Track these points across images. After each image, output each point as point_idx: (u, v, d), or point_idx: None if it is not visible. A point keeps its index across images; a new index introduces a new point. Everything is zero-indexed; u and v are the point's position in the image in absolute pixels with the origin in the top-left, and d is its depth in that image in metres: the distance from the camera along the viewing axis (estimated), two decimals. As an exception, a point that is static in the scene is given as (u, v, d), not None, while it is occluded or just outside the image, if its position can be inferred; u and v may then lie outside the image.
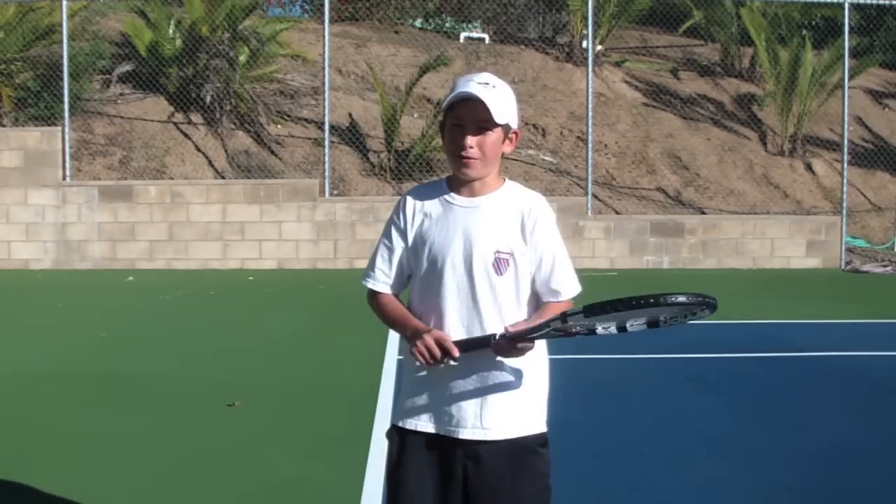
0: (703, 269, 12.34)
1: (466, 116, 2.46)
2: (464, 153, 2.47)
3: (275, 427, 5.37)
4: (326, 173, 12.39)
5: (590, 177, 12.63)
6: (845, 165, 13.04)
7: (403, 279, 2.62)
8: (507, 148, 2.55)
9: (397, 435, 2.57)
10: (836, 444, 5.13)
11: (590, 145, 12.74)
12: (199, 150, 13.24)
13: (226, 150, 13.30)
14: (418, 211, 2.58)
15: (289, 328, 8.43)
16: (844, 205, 12.93)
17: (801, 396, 6.15)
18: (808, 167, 14.73)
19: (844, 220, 12.82)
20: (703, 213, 13.38)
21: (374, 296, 2.65)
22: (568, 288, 2.58)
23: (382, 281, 2.62)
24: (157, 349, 7.50)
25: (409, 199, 2.61)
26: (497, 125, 2.47)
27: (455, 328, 2.50)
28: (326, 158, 12.41)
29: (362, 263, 12.93)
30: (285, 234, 12.13)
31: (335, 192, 12.75)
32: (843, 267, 12.52)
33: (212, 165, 13.08)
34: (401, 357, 2.67)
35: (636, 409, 5.85)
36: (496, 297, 2.50)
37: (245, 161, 13.20)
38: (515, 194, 2.58)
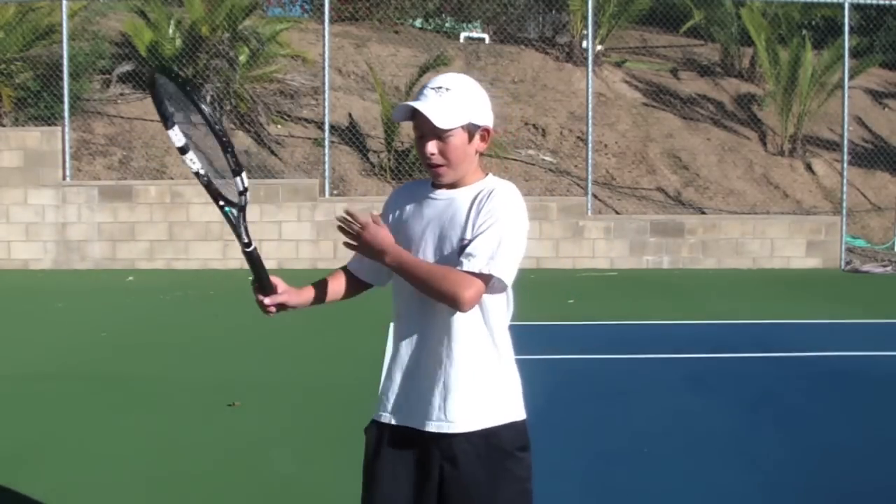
0: (703, 269, 12.34)
1: (422, 126, 2.48)
2: (428, 161, 2.50)
3: (275, 427, 5.37)
4: (326, 173, 12.39)
5: (590, 177, 12.63)
6: (845, 165, 13.04)
7: (379, 269, 2.66)
8: (480, 146, 2.52)
9: (375, 429, 2.59)
10: (835, 444, 5.13)
11: (590, 145, 12.74)
12: (199, 150, 13.23)
13: (226, 150, 13.29)
14: (398, 205, 2.65)
15: (289, 328, 8.43)
16: (844, 205, 12.93)
17: (801, 396, 6.15)
18: (808, 167, 14.73)
19: (844, 220, 12.82)
20: (703, 213, 13.38)
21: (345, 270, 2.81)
22: (476, 261, 2.37)
23: (366, 267, 2.73)
24: (156, 349, 7.50)
25: (393, 194, 2.71)
26: (447, 131, 2.44)
27: (429, 318, 2.49)
28: (326, 158, 12.41)
29: (362, 263, 12.66)
30: (285, 234, 12.13)
31: (335, 192, 12.75)
32: (843, 267, 12.52)
33: (212, 165, 13.07)
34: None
35: (636, 409, 5.84)
36: None
37: (245, 161, 13.21)
38: (481, 186, 2.51)
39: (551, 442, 4.64)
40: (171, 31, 13.59)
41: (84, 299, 9.99)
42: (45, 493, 4.29)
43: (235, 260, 12.07)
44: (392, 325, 2.64)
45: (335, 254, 12.17)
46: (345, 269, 2.83)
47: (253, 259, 2.73)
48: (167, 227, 12.01)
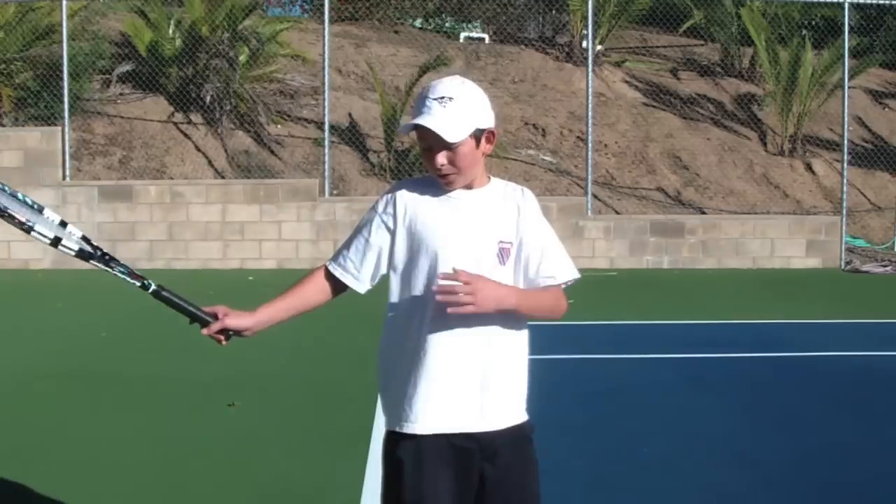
0: (703, 269, 12.34)
1: (429, 138, 2.44)
2: (438, 172, 2.47)
3: (275, 427, 5.37)
4: (326, 173, 12.39)
5: (590, 177, 12.63)
6: (845, 165, 13.05)
7: (371, 277, 2.57)
8: (487, 149, 2.52)
9: (408, 443, 2.49)
10: (835, 444, 5.12)
11: (590, 145, 12.74)
12: (199, 150, 13.25)
13: (226, 150, 13.31)
14: (413, 205, 2.51)
15: (288, 328, 8.41)
16: (844, 205, 12.93)
17: (801, 396, 6.14)
18: (808, 167, 14.73)
19: (844, 220, 12.82)
20: (703, 213, 13.38)
21: (326, 276, 2.61)
22: (564, 273, 2.55)
23: (352, 273, 2.57)
24: (156, 349, 7.49)
25: (401, 194, 2.54)
26: (456, 142, 2.44)
27: (456, 319, 2.43)
28: (326, 158, 12.41)
29: (362, 263, 12.63)
30: (285, 234, 12.13)
31: (335, 192, 12.75)
32: (843, 267, 12.52)
33: (212, 165, 13.09)
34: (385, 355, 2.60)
35: (636, 409, 5.84)
36: None
37: (245, 161, 13.20)
38: (504, 186, 2.59)
39: (551, 442, 4.63)
40: (171, 31, 13.59)
41: (84, 299, 9.99)
42: (45, 492, 4.29)
43: (235, 260, 12.08)
44: (397, 330, 2.53)
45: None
46: (325, 273, 2.63)
47: (161, 298, 2.63)
48: (167, 227, 12.01)
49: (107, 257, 2.58)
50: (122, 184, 12.29)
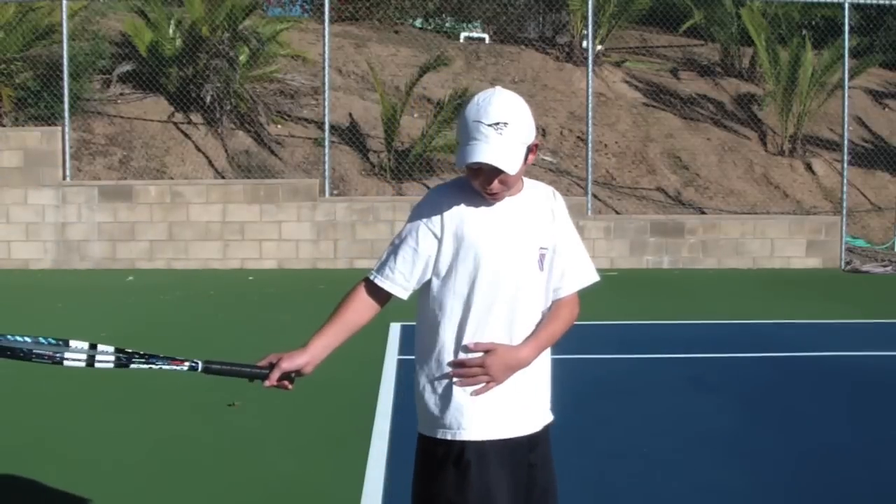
0: (703, 269, 12.34)
1: (483, 164, 2.41)
2: (488, 191, 2.46)
3: (275, 427, 5.37)
4: (326, 173, 12.39)
5: (590, 177, 12.63)
6: (845, 165, 13.05)
7: (417, 284, 2.53)
8: (530, 160, 2.51)
9: (466, 451, 2.45)
10: (835, 444, 5.13)
11: (590, 145, 12.74)
12: (199, 149, 13.25)
13: (226, 150, 13.30)
14: (458, 212, 2.48)
15: (289, 328, 8.43)
16: (844, 205, 12.93)
17: (801, 396, 6.15)
18: (808, 167, 14.73)
19: (844, 220, 12.82)
20: (703, 213, 13.38)
21: (370, 291, 2.53)
22: (584, 277, 2.63)
23: (401, 284, 2.50)
24: (156, 349, 7.47)
25: (444, 201, 2.50)
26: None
27: (497, 324, 2.48)
28: (326, 158, 12.41)
29: (362, 263, 12.88)
30: (285, 234, 12.13)
31: (335, 192, 12.75)
32: (843, 267, 12.52)
33: (212, 165, 13.09)
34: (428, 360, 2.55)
35: (636, 409, 5.84)
36: (535, 292, 2.53)
37: (245, 161, 13.20)
38: (537, 190, 2.60)
39: (551, 442, 4.63)
40: (171, 31, 13.59)
41: (84, 299, 9.99)
42: (45, 492, 4.29)
43: (235, 260, 12.08)
44: (441, 336, 2.50)
45: (335, 253, 12.17)
46: (368, 286, 2.55)
47: (212, 372, 2.65)
48: (167, 226, 12.01)
49: (145, 356, 2.57)
50: (123, 184, 12.29)
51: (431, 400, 2.51)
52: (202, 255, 12.05)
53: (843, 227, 12.75)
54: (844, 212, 12.88)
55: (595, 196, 12.89)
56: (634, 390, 6.31)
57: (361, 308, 2.56)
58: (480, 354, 2.44)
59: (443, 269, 2.49)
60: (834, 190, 14.02)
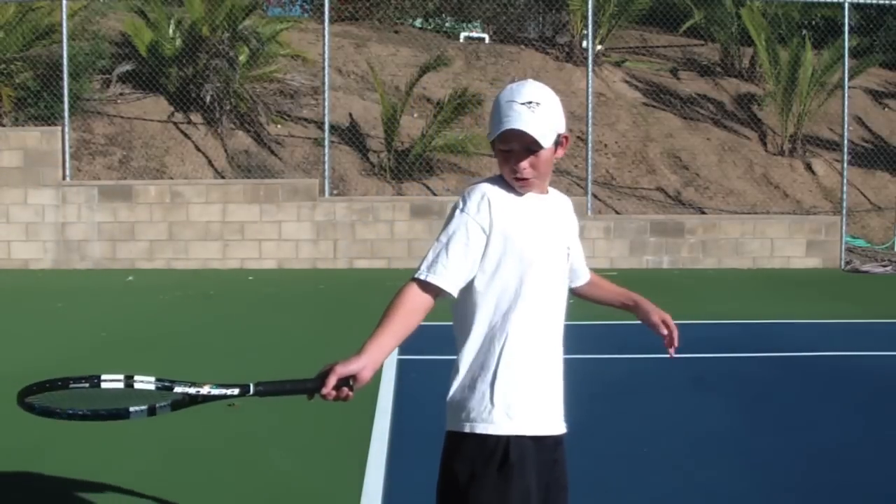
0: (702, 268, 12.34)
1: (515, 141, 2.45)
2: (519, 175, 2.48)
3: (275, 427, 5.37)
4: (326, 173, 12.39)
5: (590, 177, 12.63)
6: (845, 165, 13.05)
7: (464, 283, 2.48)
8: (560, 153, 2.56)
9: (517, 444, 2.44)
10: (836, 445, 5.12)
11: (590, 145, 12.74)
12: (198, 149, 13.25)
13: (226, 150, 13.30)
14: (503, 207, 2.48)
15: (289, 328, 8.43)
16: (844, 205, 12.93)
17: (801, 396, 6.14)
18: (808, 167, 14.73)
19: (844, 220, 12.83)
20: (703, 212, 13.38)
21: (423, 290, 2.44)
22: (582, 278, 2.90)
23: (453, 281, 2.44)
24: (156, 349, 7.49)
25: (490, 196, 2.48)
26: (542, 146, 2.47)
27: (543, 316, 2.52)
28: (326, 158, 12.41)
29: (362, 263, 12.84)
30: (285, 234, 12.13)
31: (335, 191, 12.75)
32: (843, 267, 12.52)
33: (212, 165, 13.09)
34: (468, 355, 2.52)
35: (636, 409, 5.84)
36: (564, 290, 2.64)
37: (245, 161, 13.20)
38: (557, 195, 2.73)
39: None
40: (171, 30, 13.59)
41: (84, 299, 9.99)
42: (45, 492, 4.29)
43: (235, 260, 12.08)
44: (483, 331, 2.49)
45: (335, 253, 12.17)
46: (420, 286, 2.44)
47: (267, 394, 2.54)
48: (167, 226, 12.01)
49: (201, 393, 2.43)
50: (122, 184, 12.29)
51: (475, 396, 2.47)
52: (202, 254, 12.05)
53: (843, 227, 12.75)
54: (844, 212, 12.89)
55: (595, 196, 12.89)
56: (634, 390, 6.31)
57: (416, 308, 2.43)
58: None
59: (488, 266, 2.48)
60: (834, 190, 14.02)
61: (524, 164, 2.46)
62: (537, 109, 2.43)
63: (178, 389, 2.38)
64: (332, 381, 2.33)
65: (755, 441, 5.16)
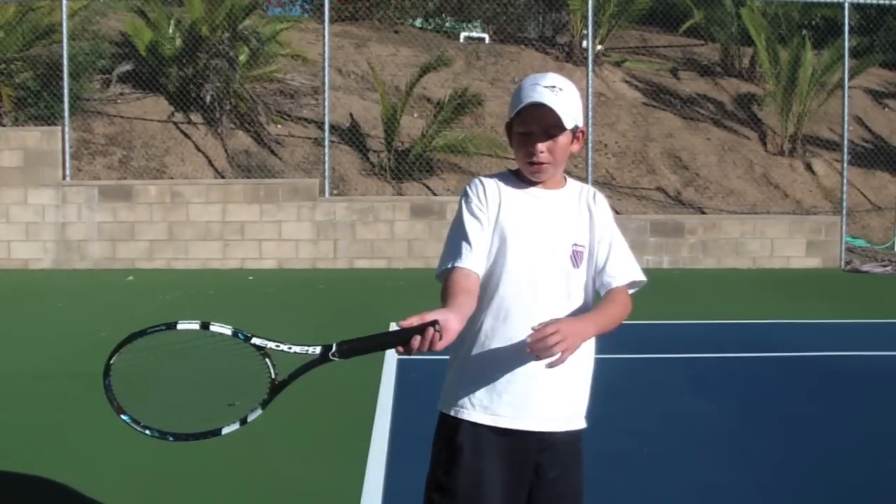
0: (702, 268, 12.34)
1: (535, 123, 2.44)
2: (535, 159, 2.47)
3: (275, 427, 5.36)
4: (326, 173, 12.39)
5: (590, 177, 12.63)
6: (845, 165, 13.05)
7: (485, 261, 2.49)
8: (575, 147, 2.55)
9: (470, 428, 2.47)
10: (835, 445, 5.12)
11: (590, 145, 12.74)
12: (199, 149, 13.25)
13: (226, 150, 13.30)
14: (502, 197, 2.51)
15: (289, 328, 8.43)
16: (844, 205, 12.93)
17: (801, 396, 6.15)
18: (808, 167, 14.73)
19: (844, 220, 12.82)
20: (703, 212, 13.38)
21: (464, 278, 2.41)
22: (629, 273, 2.63)
23: (480, 262, 2.45)
24: (156, 349, 7.48)
25: (490, 185, 2.52)
26: (566, 129, 2.46)
27: (519, 314, 2.46)
28: (326, 158, 12.41)
29: (362, 263, 12.83)
30: (285, 234, 12.13)
31: (335, 191, 12.75)
32: (843, 267, 12.52)
33: (212, 165, 13.09)
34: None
35: (636, 409, 5.84)
36: (569, 288, 2.52)
37: (245, 161, 13.20)
38: (580, 189, 2.62)
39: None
40: (171, 30, 13.59)
41: (84, 299, 9.99)
42: (45, 492, 4.29)
43: (235, 260, 12.08)
44: (475, 321, 2.46)
45: (335, 253, 12.17)
46: (462, 276, 2.42)
47: (352, 352, 2.44)
48: (167, 226, 12.01)
49: (281, 348, 2.49)
50: (122, 183, 12.29)
51: (450, 377, 2.57)
52: (202, 254, 12.05)
53: (843, 227, 12.75)
54: (844, 212, 12.89)
55: (595, 196, 12.88)
56: (634, 390, 6.31)
57: (468, 288, 2.41)
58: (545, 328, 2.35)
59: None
60: (834, 190, 14.02)
61: (542, 146, 2.46)
62: (560, 94, 2.44)
63: (255, 341, 2.48)
64: (413, 320, 2.23)
65: (754, 441, 5.16)
